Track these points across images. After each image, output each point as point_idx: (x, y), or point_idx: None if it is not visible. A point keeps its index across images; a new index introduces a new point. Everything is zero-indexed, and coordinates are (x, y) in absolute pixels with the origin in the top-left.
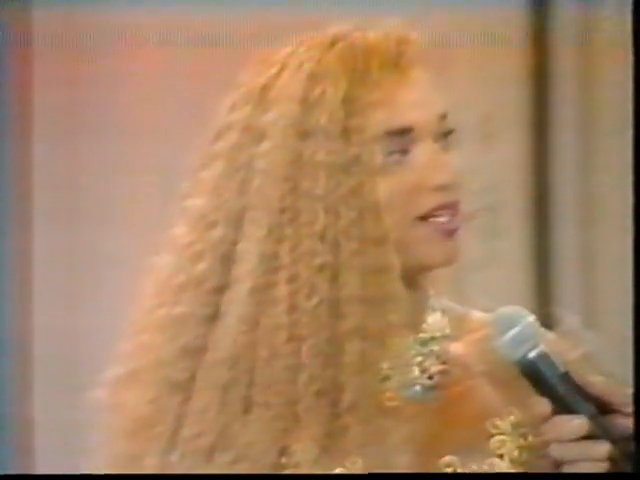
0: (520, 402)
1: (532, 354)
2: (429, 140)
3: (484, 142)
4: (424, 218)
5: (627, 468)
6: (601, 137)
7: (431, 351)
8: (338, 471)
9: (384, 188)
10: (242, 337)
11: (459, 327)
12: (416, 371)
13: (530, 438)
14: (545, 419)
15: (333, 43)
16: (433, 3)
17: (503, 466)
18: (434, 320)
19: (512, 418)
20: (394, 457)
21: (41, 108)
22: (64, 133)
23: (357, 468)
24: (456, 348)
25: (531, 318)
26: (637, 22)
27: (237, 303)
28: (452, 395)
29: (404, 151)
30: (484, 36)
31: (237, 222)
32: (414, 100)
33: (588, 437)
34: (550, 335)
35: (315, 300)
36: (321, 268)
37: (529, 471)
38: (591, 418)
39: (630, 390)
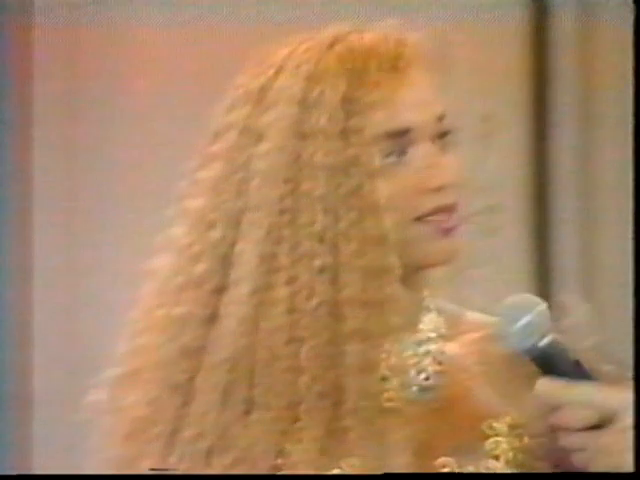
0: (517, 403)
1: (543, 342)
2: (427, 141)
3: (484, 142)
4: (422, 218)
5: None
6: (601, 137)
7: (427, 351)
8: (335, 472)
9: (383, 189)
10: (242, 339)
11: (455, 327)
12: (412, 371)
13: (526, 439)
14: (555, 408)
15: (332, 44)
16: (432, 3)
17: (499, 467)
18: (430, 320)
19: (508, 419)
20: (391, 458)
21: (41, 108)
22: (64, 133)
23: (354, 469)
24: (452, 348)
25: (543, 306)
26: (637, 22)
27: (236, 304)
28: (449, 396)
29: (402, 152)
30: (484, 36)
31: (236, 223)
32: (412, 101)
33: (597, 426)
34: (561, 323)
35: (315, 302)
36: (320, 269)
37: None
38: (600, 407)
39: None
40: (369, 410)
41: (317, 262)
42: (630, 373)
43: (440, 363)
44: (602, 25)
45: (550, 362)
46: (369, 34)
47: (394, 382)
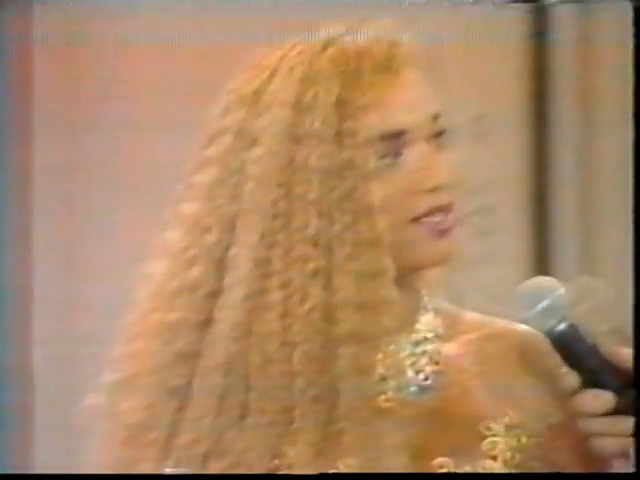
0: (515, 403)
1: (562, 326)
2: (421, 142)
3: (483, 141)
4: (417, 219)
5: None
6: (600, 136)
7: (424, 351)
8: (331, 471)
9: (377, 191)
10: (236, 343)
11: (452, 327)
12: (409, 372)
13: (523, 440)
14: (574, 393)
15: (325, 47)
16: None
17: (496, 467)
18: (427, 320)
19: (506, 420)
20: (388, 458)
21: (41, 108)
22: (64, 133)
23: (350, 470)
24: (449, 348)
25: (562, 290)
26: (637, 22)
27: (230, 309)
28: (446, 396)
29: (397, 154)
30: (483, 36)
31: (231, 227)
32: (406, 103)
33: (617, 411)
34: (581, 306)
35: (308, 305)
36: (314, 273)
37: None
38: (619, 392)
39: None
40: (364, 413)
41: (311, 266)
42: None
43: (437, 363)
44: (601, 25)
45: (568, 346)
46: (362, 36)
47: (392, 382)
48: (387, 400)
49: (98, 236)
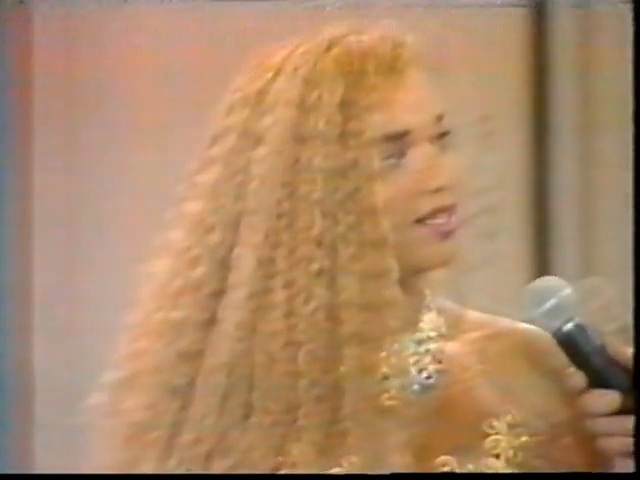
0: (518, 401)
1: (568, 326)
2: (426, 143)
3: (484, 142)
4: (421, 220)
5: None
6: (601, 136)
7: (427, 350)
8: (335, 470)
9: (382, 192)
10: (239, 343)
11: (455, 326)
12: (413, 370)
13: (526, 438)
14: (580, 393)
15: (329, 47)
16: (432, 3)
17: (499, 466)
18: (430, 319)
19: (509, 418)
20: (391, 456)
21: (41, 108)
22: (64, 134)
23: (354, 467)
24: (452, 347)
25: (568, 290)
26: (637, 22)
27: (234, 308)
28: (449, 395)
29: (401, 154)
30: (483, 36)
31: (235, 227)
32: (410, 103)
33: (624, 411)
34: (588, 306)
35: (312, 305)
36: (318, 273)
37: (525, 471)
38: (626, 392)
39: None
40: (368, 413)
41: (315, 266)
42: None
43: (440, 362)
44: (601, 25)
45: (575, 346)
46: (366, 36)
47: (395, 381)
48: (390, 398)
49: (98, 237)
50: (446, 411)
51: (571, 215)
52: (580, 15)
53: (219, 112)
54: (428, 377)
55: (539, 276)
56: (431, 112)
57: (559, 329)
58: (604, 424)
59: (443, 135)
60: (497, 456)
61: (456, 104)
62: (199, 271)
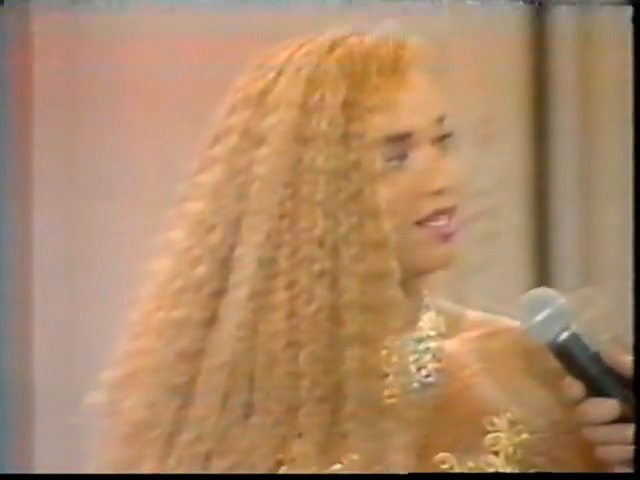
0: (517, 399)
1: (563, 336)
2: (427, 144)
3: (483, 144)
4: (421, 222)
5: None
6: (601, 138)
7: (427, 349)
8: (335, 467)
9: (383, 193)
10: (241, 343)
11: (454, 325)
12: (412, 369)
13: (525, 435)
14: (578, 402)
15: (331, 48)
16: (432, 6)
17: (498, 463)
18: (429, 318)
19: (509, 415)
20: (391, 454)
21: (41, 108)
22: (64, 134)
23: (354, 464)
24: (451, 346)
25: (562, 300)
26: (637, 22)
27: (235, 308)
28: (449, 393)
29: (402, 156)
30: (483, 38)
31: (236, 227)
32: (412, 105)
33: (622, 419)
34: (582, 316)
35: (314, 306)
36: (320, 274)
37: (524, 469)
38: (624, 400)
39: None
40: (369, 414)
41: (317, 266)
42: None
43: (440, 360)
44: (601, 27)
45: (571, 355)
46: (369, 37)
47: (395, 379)
48: (390, 397)
49: (98, 237)
50: (446, 409)
51: (571, 218)
52: (580, 15)
53: (221, 112)
54: (427, 375)
55: (539, 278)
56: (433, 113)
57: (554, 339)
58: (603, 432)
59: (444, 137)
60: (497, 453)
61: (456, 105)
62: (200, 271)
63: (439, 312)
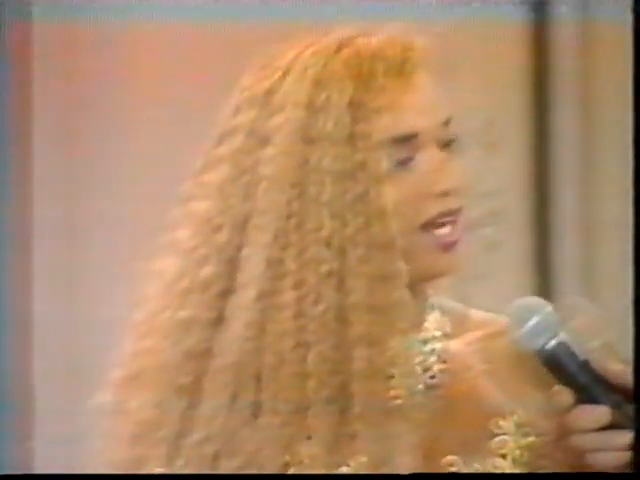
0: (523, 401)
1: (551, 344)
2: (433, 146)
3: (486, 147)
4: (427, 226)
5: None
6: (602, 143)
7: (432, 350)
8: (343, 469)
9: (390, 194)
10: (248, 343)
11: (459, 326)
12: (418, 370)
13: (532, 438)
14: (567, 409)
15: (338, 48)
16: (434, 7)
17: (505, 466)
18: (434, 319)
19: (515, 417)
20: (398, 456)
21: (41, 108)
22: (64, 133)
23: (361, 467)
24: (456, 347)
25: (549, 308)
26: (637, 22)
27: (243, 308)
28: (454, 394)
29: (409, 157)
30: (486, 41)
31: (242, 226)
32: (419, 106)
33: (611, 426)
34: (570, 324)
35: (321, 307)
36: (327, 275)
37: (531, 471)
38: (613, 407)
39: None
40: (376, 415)
41: (324, 267)
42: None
43: (445, 362)
44: (603, 29)
45: (559, 364)
46: (375, 39)
47: (400, 380)
48: (396, 398)
49: (100, 234)
50: (451, 411)
51: (573, 218)
52: (581, 17)
53: (226, 111)
54: (432, 377)
55: (541, 282)
56: (438, 116)
57: (542, 347)
58: (592, 439)
59: (450, 141)
60: (504, 456)
61: (461, 108)
62: (207, 270)
63: (444, 312)
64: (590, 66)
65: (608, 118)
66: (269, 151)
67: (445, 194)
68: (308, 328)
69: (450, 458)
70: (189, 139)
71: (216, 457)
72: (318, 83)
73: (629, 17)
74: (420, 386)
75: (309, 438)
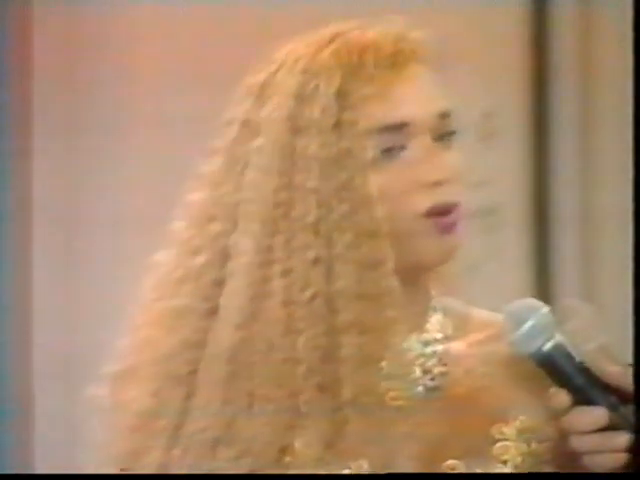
0: (525, 406)
1: (548, 346)
2: (426, 136)
3: (484, 140)
4: (421, 216)
5: None
6: (601, 136)
7: (433, 352)
8: (345, 471)
9: (379, 182)
10: (239, 331)
11: (461, 328)
12: (418, 372)
13: (534, 445)
14: (564, 411)
15: (331, 40)
16: (434, 2)
17: (507, 472)
18: (436, 321)
19: (517, 423)
20: (399, 459)
21: (41, 108)
22: (65, 126)
23: (362, 472)
24: (458, 349)
25: (545, 309)
26: (637, 22)
27: (234, 296)
28: (455, 397)
29: (401, 147)
30: (484, 34)
31: (234, 216)
32: (410, 96)
33: (608, 428)
34: (566, 326)
35: (309, 293)
36: (315, 261)
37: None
38: (610, 408)
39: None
40: (370, 402)
41: (311, 254)
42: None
43: (445, 364)
44: (602, 22)
45: (556, 365)
46: (371, 31)
47: (399, 381)
48: (396, 398)
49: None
50: (452, 414)
51: (571, 213)
52: (580, 12)
53: (228, 105)
54: (432, 379)
55: (539, 274)
56: (432, 107)
57: (539, 349)
58: (589, 441)
59: (448, 135)
60: (505, 462)
61: (457, 101)
62: (200, 260)
63: (446, 314)
64: (590, 58)
65: (608, 111)
66: (259, 140)
67: (437, 184)
68: (297, 315)
69: (452, 462)
70: (190, 133)
71: (214, 446)
72: (307, 72)
73: (629, 9)
74: (420, 388)
75: (303, 424)
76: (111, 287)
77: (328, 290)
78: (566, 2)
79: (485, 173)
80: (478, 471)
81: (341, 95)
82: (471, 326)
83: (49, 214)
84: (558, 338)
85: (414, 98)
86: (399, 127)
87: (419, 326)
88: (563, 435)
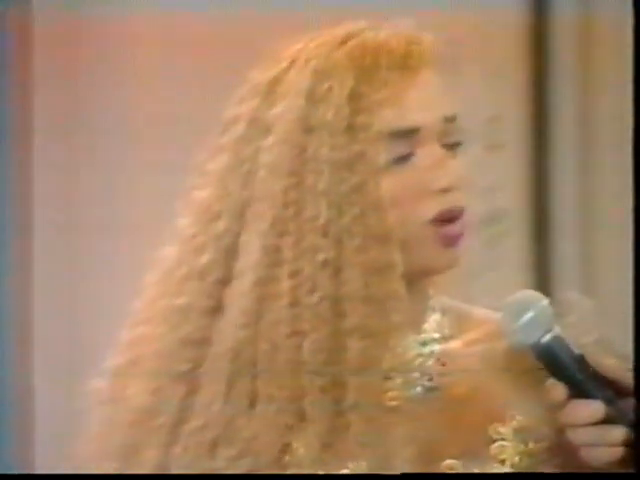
0: (522, 404)
1: (546, 338)
2: (435, 142)
3: (486, 145)
4: (431, 222)
5: None
6: (601, 140)
7: (431, 352)
8: (343, 471)
9: (388, 187)
10: (244, 330)
11: (460, 328)
12: (416, 372)
13: (531, 444)
14: (562, 404)
15: (344, 40)
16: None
17: (505, 472)
18: (434, 320)
19: (514, 423)
20: (397, 460)
21: (41, 108)
22: (64, 133)
23: (360, 469)
24: (455, 348)
25: (544, 302)
26: (637, 22)
27: (239, 296)
28: (453, 397)
29: (409, 153)
30: (485, 37)
31: (241, 214)
32: (421, 101)
33: (605, 421)
34: (565, 319)
35: (317, 296)
36: (323, 264)
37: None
38: (608, 402)
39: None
40: (372, 406)
41: (320, 256)
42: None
43: (444, 364)
44: (603, 26)
45: (554, 358)
46: (382, 32)
47: (398, 381)
48: (394, 398)
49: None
50: (449, 414)
51: (572, 219)
52: (582, 17)
53: (232, 102)
54: (430, 379)
55: (539, 280)
56: (441, 112)
57: (537, 341)
58: (586, 434)
59: (455, 139)
60: (502, 462)
61: (465, 105)
62: (205, 258)
63: (444, 313)
64: (591, 62)
65: (609, 114)
66: (269, 140)
67: (445, 191)
68: (303, 317)
69: (450, 462)
70: (191, 132)
71: (213, 445)
72: (320, 73)
73: (630, 12)
74: (418, 388)
75: (304, 426)
76: (112, 286)
77: (335, 293)
78: (566, 7)
79: (489, 177)
80: (476, 471)
81: (354, 98)
82: (470, 324)
83: (49, 213)
84: (557, 330)
85: (424, 103)
86: (410, 132)
87: (417, 326)
88: (560, 432)
